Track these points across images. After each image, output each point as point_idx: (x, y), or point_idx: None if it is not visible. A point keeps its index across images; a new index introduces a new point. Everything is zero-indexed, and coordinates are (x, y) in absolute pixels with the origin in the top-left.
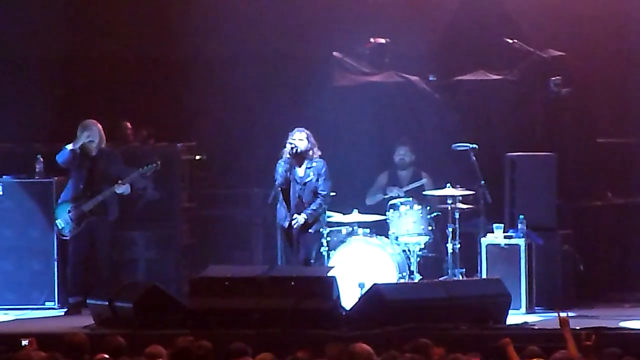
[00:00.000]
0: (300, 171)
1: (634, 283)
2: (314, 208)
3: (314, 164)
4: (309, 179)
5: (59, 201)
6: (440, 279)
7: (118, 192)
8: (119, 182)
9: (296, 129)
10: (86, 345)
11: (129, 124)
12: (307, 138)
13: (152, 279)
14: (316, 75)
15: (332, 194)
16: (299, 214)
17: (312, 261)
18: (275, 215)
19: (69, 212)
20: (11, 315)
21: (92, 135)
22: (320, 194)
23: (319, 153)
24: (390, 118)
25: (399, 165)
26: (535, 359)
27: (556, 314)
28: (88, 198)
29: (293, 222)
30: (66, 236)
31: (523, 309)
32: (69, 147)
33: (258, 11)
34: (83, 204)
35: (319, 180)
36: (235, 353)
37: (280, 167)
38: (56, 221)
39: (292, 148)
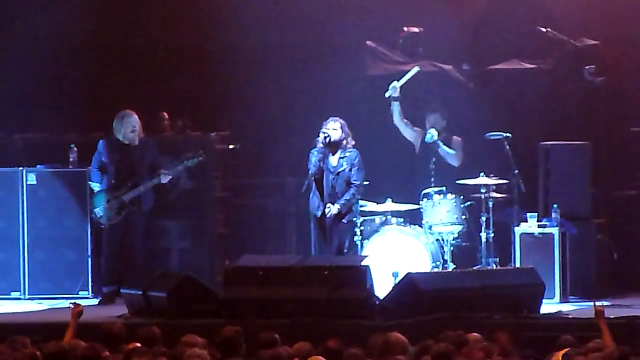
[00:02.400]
0: (333, 160)
1: None
2: (347, 198)
3: (348, 154)
4: (342, 168)
5: (97, 190)
6: (473, 268)
7: (163, 182)
8: (162, 172)
9: (330, 118)
10: (124, 334)
11: (166, 115)
12: (341, 127)
13: (186, 268)
14: (349, 64)
15: (365, 183)
16: (332, 204)
17: (345, 250)
18: (308, 204)
19: (109, 201)
20: (45, 305)
21: (135, 124)
22: (353, 183)
23: (353, 143)
24: (424, 107)
25: None
26: (567, 349)
27: (590, 304)
28: (129, 188)
29: (326, 211)
30: (104, 225)
31: (557, 298)
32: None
33: (291, 0)
34: (124, 194)
35: (352, 170)
36: (265, 343)
37: (314, 157)
38: (95, 210)
39: (325, 137)
